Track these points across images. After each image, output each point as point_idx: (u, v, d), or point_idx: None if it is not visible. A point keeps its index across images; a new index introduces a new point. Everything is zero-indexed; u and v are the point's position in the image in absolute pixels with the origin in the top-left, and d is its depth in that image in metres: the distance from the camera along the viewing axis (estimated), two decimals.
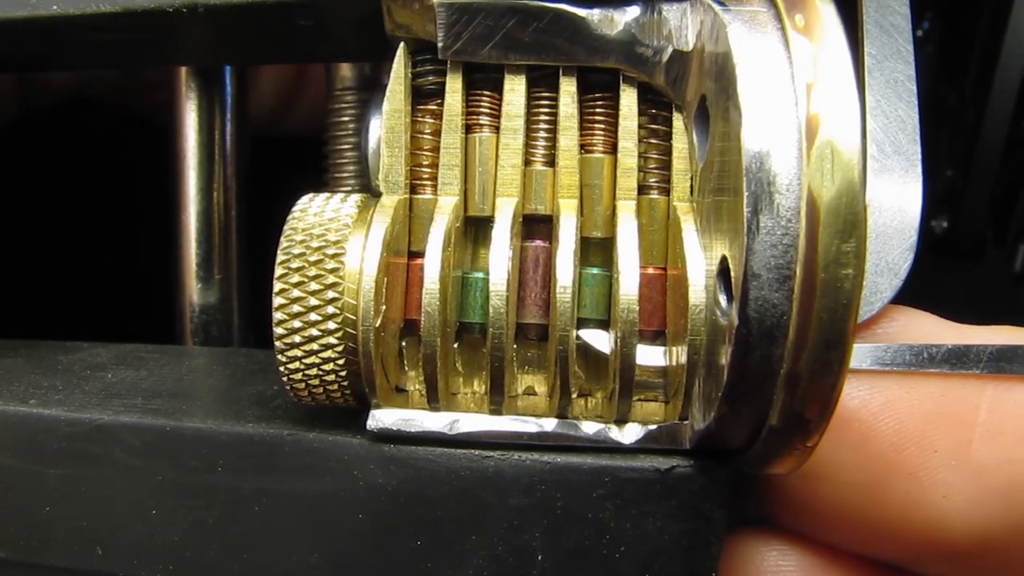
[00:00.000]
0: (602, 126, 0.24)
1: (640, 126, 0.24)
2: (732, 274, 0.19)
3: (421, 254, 0.23)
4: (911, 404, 0.24)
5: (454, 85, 0.24)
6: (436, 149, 0.25)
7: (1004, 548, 0.24)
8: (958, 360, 0.23)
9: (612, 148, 0.24)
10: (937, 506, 0.24)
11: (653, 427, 0.23)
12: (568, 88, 0.24)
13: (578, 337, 0.23)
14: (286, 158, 0.42)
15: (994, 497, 0.23)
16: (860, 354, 0.24)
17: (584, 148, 0.24)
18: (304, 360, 0.23)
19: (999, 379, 0.24)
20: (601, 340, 0.24)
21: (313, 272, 0.23)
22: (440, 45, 0.24)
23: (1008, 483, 0.23)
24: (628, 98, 0.24)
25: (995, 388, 0.24)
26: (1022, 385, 0.24)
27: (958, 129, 0.51)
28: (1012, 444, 0.23)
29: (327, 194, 0.25)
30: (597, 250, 0.24)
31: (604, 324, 0.24)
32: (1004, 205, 0.52)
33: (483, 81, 0.25)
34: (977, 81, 0.50)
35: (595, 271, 0.24)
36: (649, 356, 0.23)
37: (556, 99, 0.24)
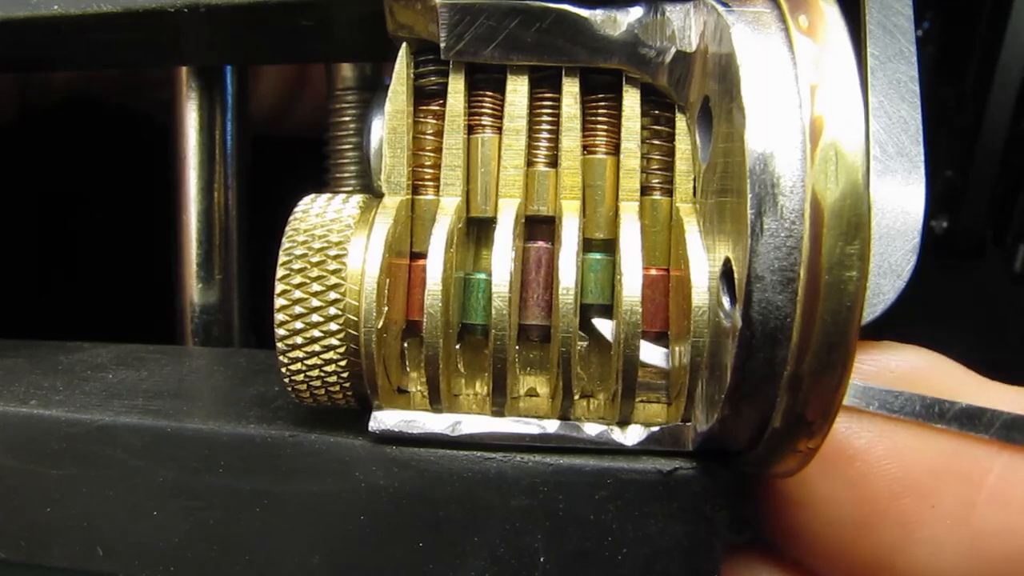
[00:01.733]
0: (605, 127, 0.24)
1: (643, 127, 0.24)
2: (735, 276, 0.19)
3: (423, 255, 0.23)
4: (919, 456, 0.23)
5: (456, 86, 0.24)
6: (438, 150, 0.25)
7: None
8: (968, 421, 0.23)
9: (615, 149, 0.24)
10: (923, 561, 0.23)
11: (655, 429, 0.23)
12: (571, 89, 0.24)
13: (583, 330, 0.23)
14: (287, 158, 0.42)
15: (986, 565, 0.23)
16: (868, 395, 0.24)
17: (587, 149, 0.24)
18: (306, 361, 0.23)
19: (1015, 448, 0.23)
20: (607, 328, 0.24)
21: (315, 273, 0.23)
22: (442, 45, 0.24)
23: (1004, 553, 0.23)
24: (631, 99, 0.24)
25: (1010, 456, 0.23)
26: None
27: (958, 129, 0.51)
28: (1017, 514, 0.23)
29: (329, 195, 0.25)
30: (600, 252, 0.24)
31: (609, 309, 0.24)
32: (1004, 205, 0.52)
33: (485, 82, 0.25)
34: (977, 81, 0.50)
35: (599, 256, 0.24)
36: (652, 357, 0.23)
37: (559, 100, 0.24)
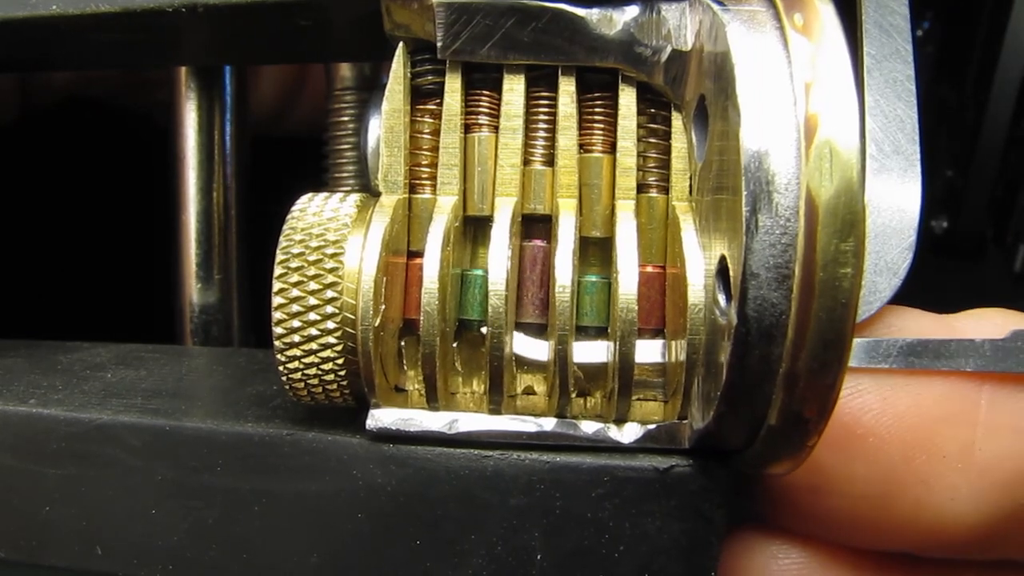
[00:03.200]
0: (601, 126, 0.24)
1: (639, 125, 0.24)
2: (731, 273, 0.19)
3: (420, 254, 0.23)
4: (920, 412, 0.24)
5: (453, 85, 0.24)
6: (435, 149, 0.25)
7: (1005, 533, 0.24)
8: (866, 355, 0.23)
9: (611, 148, 0.24)
10: (945, 507, 0.24)
11: (652, 426, 0.23)
12: (567, 88, 0.24)
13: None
14: (286, 158, 0.42)
15: (996, 491, 0.24)
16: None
17: (583, 148, 0.24)
18: (303, 360, 0.23)
19: (995, 377, 0.24)
20: (597, 351, 0.24)
21: (312, 272, 0.23)
22: (439, 45, 0.24)
23: (1007, 476, 0.24)
24: (627, 98, 0.24)
25: (991, 386, 0.24)
26: (1015, 381, 0.24)
27: (958, 129, 0.51)
28: (1009, 439, 0.24)
29: (326, 194, 0.25)
30: (596, 250, 0.24)
31: (604, 331, 0.24)
32: (1004, 205, 0.52)
33: (482, 81, 0.25)
34: (977, 81, 0.50)
35: (594, 278, 0.24)
36: (648, 355, 0.23)
37: (555, 99, 0.24)
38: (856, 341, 0.24)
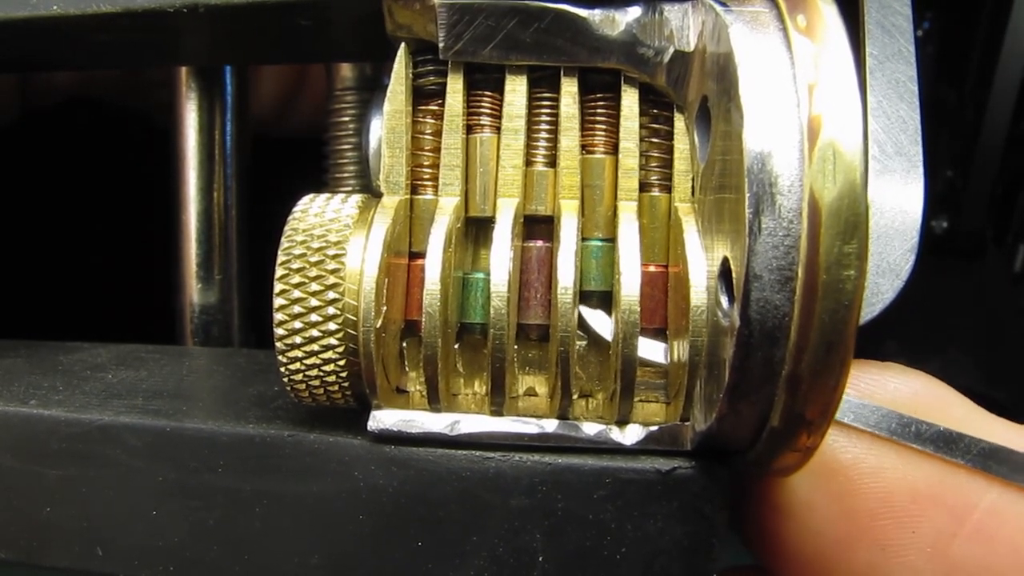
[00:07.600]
0: (603, 126, 0.24)
1: (641, 126, 0.24)
2: (734, 275, 0.19)
3: (422, 255, 0.23)
4: (903, 478, 0.23)
5: (455, 85, 0.24)
6: (437, 150, 0.25)
7: None
8: (945, 445, 0.23)
9: (613, 149, 0.24)
10: None
11: (654, 428, 0.23)
12: (569, 88, 0.24)
13: (581, 329, 0.23)
14: (286, 158, 0.42)
15: None
16: (843, 408, 0.23)
17: (585, 149, 0.24)
18: (305, 360, 0.23)
19: (1006, 484, 0.23)
20: (603, 325, 0.24)
21: (314, 272, 0.23)
22: (441, 45, 0.24)
23: None
24: (629, 99, 0.24)
25: (1000, 492, 0.23)
26: None
27: (958, 129, 0.52)
28: (1000, 553, 0.23)
29: (328, 195, 0.25)
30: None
31: (610, 296, 0.24)
32: (1004, 205, 0.52)
33: (484, 81, 0.25)
34: (977, 81, 0.50)
35: (599, 243, 0.24)
36: (650, 356, 0.23)
37: (557, 99, 0.24)
38: (934, 429, 0.23)
